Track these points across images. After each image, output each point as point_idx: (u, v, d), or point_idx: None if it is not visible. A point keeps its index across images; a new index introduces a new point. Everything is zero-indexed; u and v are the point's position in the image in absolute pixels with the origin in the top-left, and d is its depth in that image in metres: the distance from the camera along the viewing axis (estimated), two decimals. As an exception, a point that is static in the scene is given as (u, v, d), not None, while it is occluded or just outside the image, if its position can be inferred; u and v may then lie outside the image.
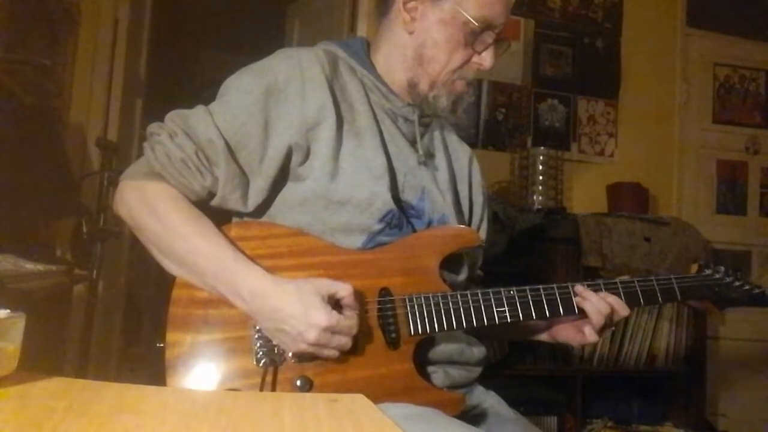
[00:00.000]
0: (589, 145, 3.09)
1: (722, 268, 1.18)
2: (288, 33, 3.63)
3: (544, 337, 1.21)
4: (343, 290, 0.94)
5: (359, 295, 0.96)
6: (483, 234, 1.26)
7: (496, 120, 2.96)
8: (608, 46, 3.13)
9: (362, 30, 2.83)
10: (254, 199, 1.03)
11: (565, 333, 1.16)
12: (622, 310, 1.09)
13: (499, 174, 2.90)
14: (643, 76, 3.17)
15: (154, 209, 0.98)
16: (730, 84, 3.31)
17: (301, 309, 0.90)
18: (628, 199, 2.88)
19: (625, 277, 1.18)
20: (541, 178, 2.76)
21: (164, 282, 1.01)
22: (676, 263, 2.55)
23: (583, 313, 1.09)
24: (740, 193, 3.27)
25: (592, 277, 2.53)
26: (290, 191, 1.05)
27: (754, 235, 3.24)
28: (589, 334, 1.10)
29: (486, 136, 2.93)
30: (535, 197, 2.74)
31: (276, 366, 0.94)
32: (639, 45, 3.16)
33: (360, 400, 0.66)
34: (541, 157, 2.78)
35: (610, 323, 1.10)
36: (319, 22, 3.27)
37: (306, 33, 3.43)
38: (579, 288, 1.09)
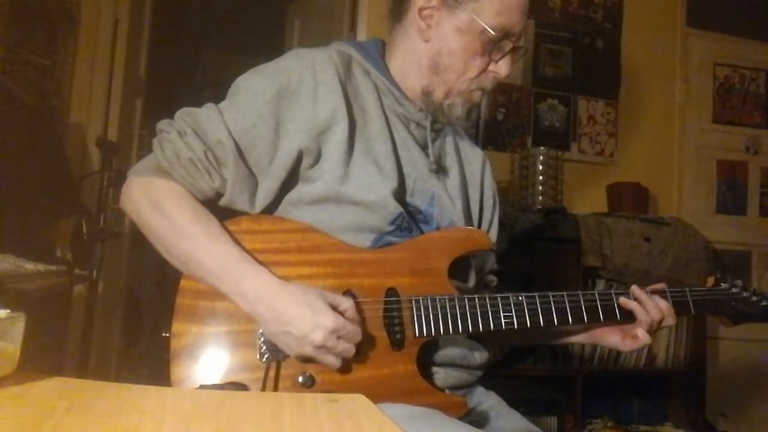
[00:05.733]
0: (589, 145, 3.09)
1: (740, 282, 1.16)
2: (288, 33, 3.63)
3: (581, 338, 1.20)
4: (345, 303, 0.93)
5: (360, 309, 0.96)
6: (494, 238, 1.25)
7: (496, 120, 2.96)
8: (608, 46, 3.12)
9: (362, 30, 2.83)
10: (262, 200, 1.02)
11: (613, 338, 1.16)
12: (671, 318, 1.09)
13: (499, 174, 2.88)
14: (643, 76, 3.16)
15: (160, 207, 0.98)
16: (730, 84, 3.31)
17: (309, 310, 0.90)
18: (628, 199, 2.87)
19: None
20: (541, 178, 2.76)
21: (164, 282, 1.01)
22: (676, 263, 2.55)
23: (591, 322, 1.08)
24: (740, 193, 3.27)
25: (592, 277, 2.53)
26: (299, 192, 1.04)
27: (754, 235, 3.23)
28: (643, 338, 1.10)
29: (486, 136, 2.93)
30: (535, 197, 2.74)
31: (279, 361, 0.94)
32: (639, 45, 3.16)
33: (360, 400, 0.66)
34: (541, 157, 2.77)
35: (655, 329, 1.10)
36: (319, 22, 3.27)
37: (306, 33, 3.43)
38: (634, 288, 1.10)
